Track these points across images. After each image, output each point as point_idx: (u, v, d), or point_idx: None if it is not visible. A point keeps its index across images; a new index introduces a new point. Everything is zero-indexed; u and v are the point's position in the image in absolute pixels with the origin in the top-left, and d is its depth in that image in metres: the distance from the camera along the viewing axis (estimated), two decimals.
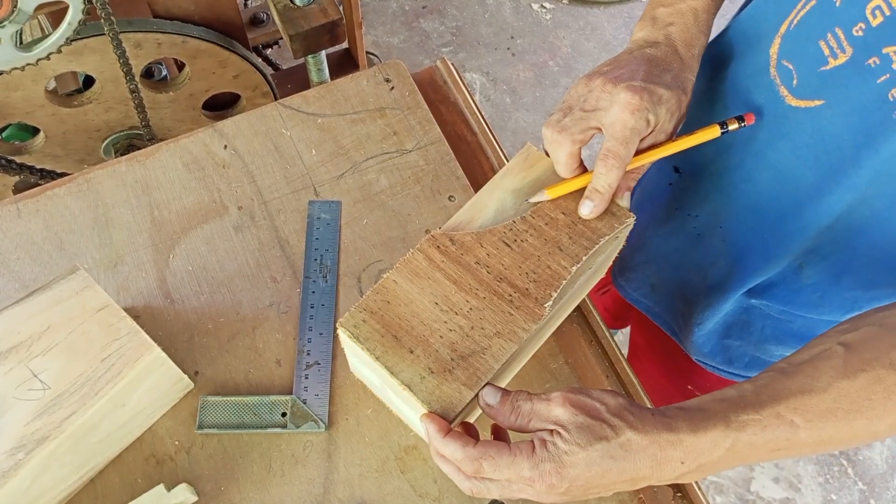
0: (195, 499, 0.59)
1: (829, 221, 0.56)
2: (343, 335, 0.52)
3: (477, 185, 0.73)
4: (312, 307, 0.67)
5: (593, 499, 0.48)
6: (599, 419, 0.44)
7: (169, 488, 0.54)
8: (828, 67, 0.51)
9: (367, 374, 0.59)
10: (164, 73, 1.25)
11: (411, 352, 0.50)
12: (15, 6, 0.86)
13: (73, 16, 0.91)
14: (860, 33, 0.47)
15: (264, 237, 0.71)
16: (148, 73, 1.22)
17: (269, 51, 1.65)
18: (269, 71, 1.30)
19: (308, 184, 0.74)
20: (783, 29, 0.54)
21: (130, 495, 0.55)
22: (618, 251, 0.61)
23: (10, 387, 0.53)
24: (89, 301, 0.57)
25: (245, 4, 1.74)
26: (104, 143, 1.21)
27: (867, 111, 0.49)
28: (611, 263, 0.68)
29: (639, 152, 0.54)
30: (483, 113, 0.80)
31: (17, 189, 1.21)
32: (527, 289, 0.52)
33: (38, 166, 1.15)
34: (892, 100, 0.47)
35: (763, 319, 0.70)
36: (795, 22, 0.53)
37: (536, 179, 0.57)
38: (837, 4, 0.49)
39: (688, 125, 0.59)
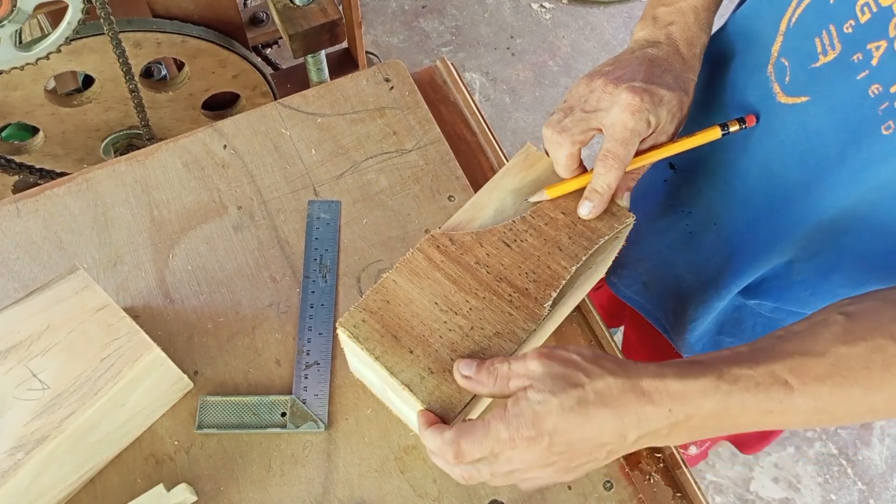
0: (195, 499, 0.59)
1: (816, 219, 0.56)
2: (343, 335, 0.52)
3: (477, 185, 0.73)
4: (312, 307, 0.67)
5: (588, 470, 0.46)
6: (574, 367, 0.43)
7: (168, 488, 0.54)
8: (818, 64, 0.51)
9: (367, 374, 0.59)
10: (164, 72, 1.25)
11: (411, 352, 0.50)
12: (14, 6, 0.86)
13: (72, 15, 0.91)
14: (850, 30, 0.47)
15: (264, 237, 0.71)
16: (147, 73, 1.22)
17: (268, 50, 1.65)
18: (268, 70, 1.30)
19: (308, 183, 0.74)
20: (783, 26, 0.54)
21: (130, 495, 0.55)
22: (617, 251, 0.61)
23: (10, 386, 0.53)
24: (89, 301, 0.57)
25: (245, 4, 1.74)
26: (104, 143, 1.21)
27: (849, 108, 0.49)
28: (610, 263, 0.69)
29: (639, 153, 0.54)
30: (483, 113, 0.80)
31: (17, 188, 1.21)
32: (526, 289, 0.52)
33: (37, 166, 1.15)
34: (872, 97, 0.47)
35: (755, 317, 0.70)
36: (794, 20, 0.53)
37: (536, 179, 0.57)
38: (831, 2, 0.49)
39: (686, 122, 0.59)
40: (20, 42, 0.94)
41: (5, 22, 0.87)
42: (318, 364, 0.64)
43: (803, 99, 0.53)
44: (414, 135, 0.76)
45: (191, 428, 0.62)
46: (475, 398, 0.49)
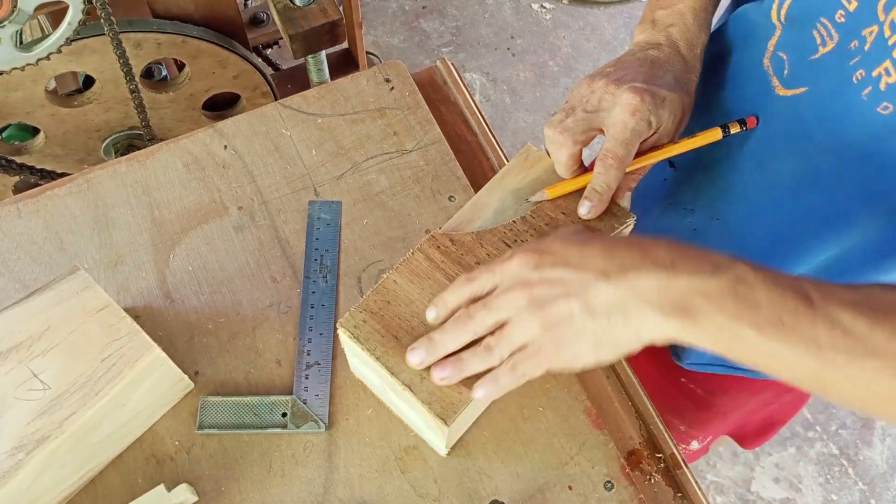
0: (195, 499, 0.59)
1: (808, 216, 0.56)
2: (343, 335, 0.52)
3: (477, 185, 0.73)
4: (312, 307, 0.67)
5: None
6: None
7: (169, 488, 0.54)
8: (817, 55, 0.51)
9: (368, 374, 0.59)
10: (164, 73, 1.25)
11: None
12: (15, 6, 0.86)
13: (72, 16, 0.91)
14: (842, 19, 0.48)
15: (264, 237, 0.71)
16: (148, 74, 1.22)
17: (269, 51, 1.65)
18: (269, 71, 1.30)
19: (308, 184, 0.74)
20: (775, 21, 0.54)
21: (131, 495, 0.55)
22: None
23: (11, 387, 0.53)
24: (89, 301, 0.57)
25: (245, 4, 1.74)
26: (104, 143, 1.21)
27: (835, 95, 0.49)
28: None
29: (641, 153, 0.54)
30: (483, 113, 0.80)
31: (17, 189, 1.21)
32: None
33: (38, 166, 1.15)
34: (855, 83, 0.47)
35: None
36: (783, 13, 0.53)
37: (536, 179, 0.57)
38: None
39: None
40: (21, 42, 0.94)
41: (6, 22, 0.87)
42: (319, 364, 0.64)
43: (801, 90, 0.53)
44: (414, 135, 0.76)
45: (191, 428, 0.62)
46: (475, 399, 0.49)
